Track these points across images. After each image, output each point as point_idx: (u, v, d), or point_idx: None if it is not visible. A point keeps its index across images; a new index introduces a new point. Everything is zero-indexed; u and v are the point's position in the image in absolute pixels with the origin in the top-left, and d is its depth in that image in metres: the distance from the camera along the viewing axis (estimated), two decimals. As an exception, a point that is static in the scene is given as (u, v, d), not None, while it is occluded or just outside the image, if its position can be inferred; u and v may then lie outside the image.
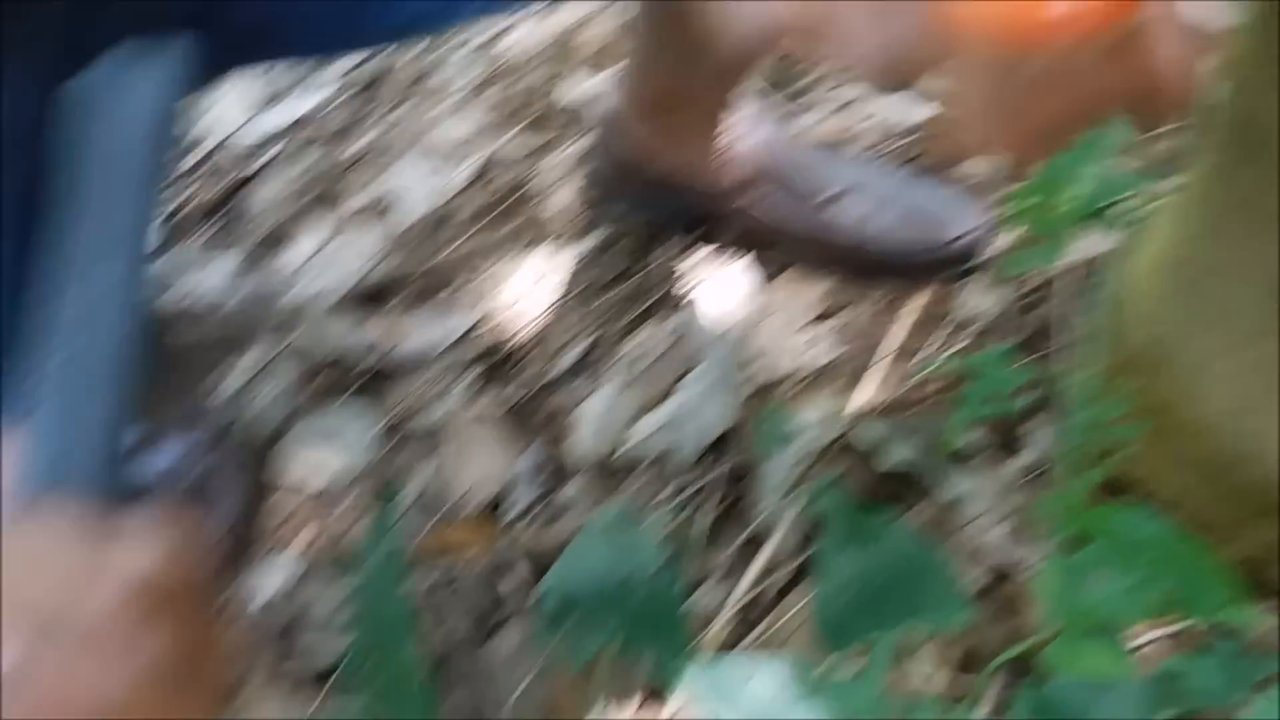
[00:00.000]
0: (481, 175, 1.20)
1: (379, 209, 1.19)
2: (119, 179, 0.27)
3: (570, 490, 0.90)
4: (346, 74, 1.36)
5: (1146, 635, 0.71)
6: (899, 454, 0.82)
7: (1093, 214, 0.85)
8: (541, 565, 0.84)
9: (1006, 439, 0.83)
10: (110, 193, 0.27)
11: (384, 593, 0.62)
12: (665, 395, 0.96)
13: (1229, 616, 0.61)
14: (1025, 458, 0.82)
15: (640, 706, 0.77)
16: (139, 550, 0.26)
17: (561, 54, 1.32)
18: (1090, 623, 0.64)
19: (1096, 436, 0.72)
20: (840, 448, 0.86)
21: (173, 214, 1.19)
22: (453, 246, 1.12)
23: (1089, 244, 0.92)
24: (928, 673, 0.72)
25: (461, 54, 1.36)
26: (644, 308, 1.03)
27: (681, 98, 0.99)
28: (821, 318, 0.98)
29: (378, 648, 0.62)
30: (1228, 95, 0.63)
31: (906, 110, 1.14)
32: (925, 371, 0.89)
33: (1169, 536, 0.63)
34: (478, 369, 1.00)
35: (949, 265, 0.96)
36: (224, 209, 1.23)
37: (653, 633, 0.73)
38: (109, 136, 0.28)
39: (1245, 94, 0.60)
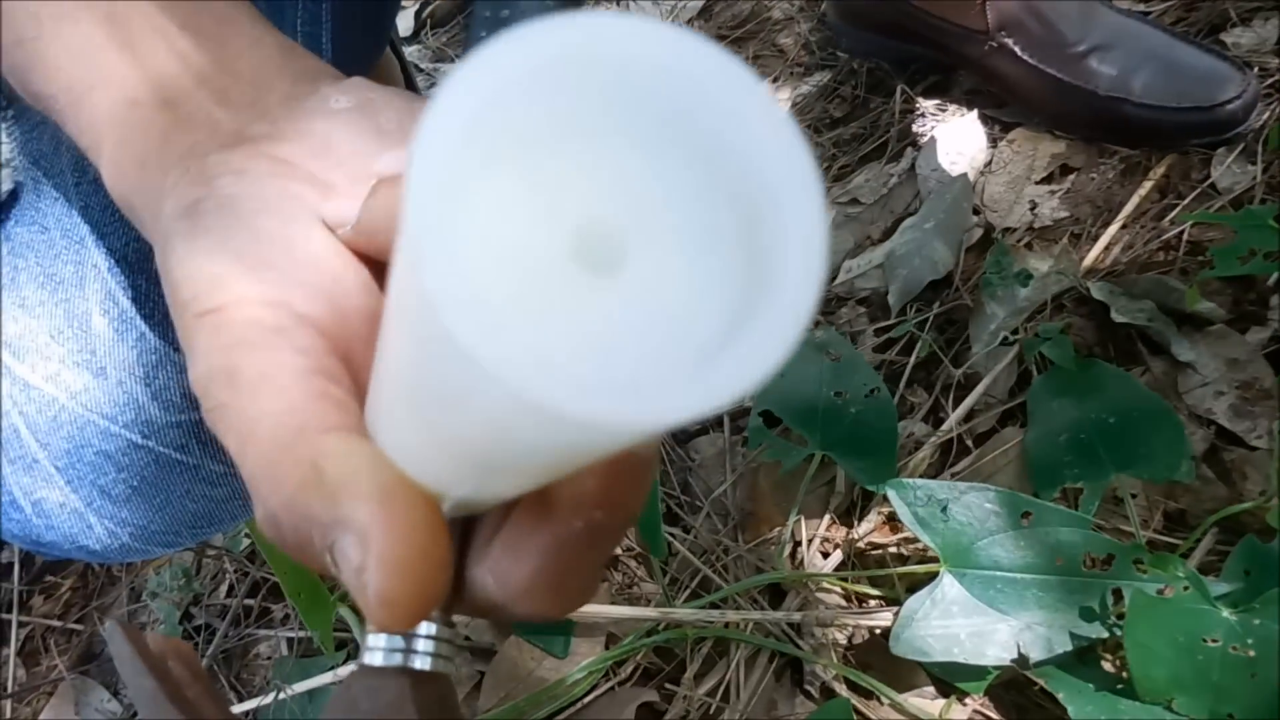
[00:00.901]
0: (715, 3, 1.20)
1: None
2: None
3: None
4: (586, -107, 1.36)
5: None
6: (1131, 311, 0.80)
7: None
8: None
9: (1248, 309, 0.80)
10: None
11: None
12: (883, 236, 0.96)
13: None
14: (1266, 331, 0.79)
15: (830, 526, 0.79)
16: None
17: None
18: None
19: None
20: (1068, 300, 0.84)
21: (419, 11, 1.23)
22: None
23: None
24: (1133, 526, 0.72)
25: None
26: (869, 149, 1.02)
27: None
28: (1055, 176, 0.95)
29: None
30: None
31: (1174, -31, 1.07)
32: (1175, 230, 0.85)
33: None
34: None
35: (1209, 131, 0.91)
36: (459, 17, 1.26)
37: (863, 449, 0.75)
38: None
39: None
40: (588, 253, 0.15)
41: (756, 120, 0.15)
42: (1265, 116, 0.91)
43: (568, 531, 0.23)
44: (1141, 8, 1.05)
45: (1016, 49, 0.96)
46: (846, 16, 1.08)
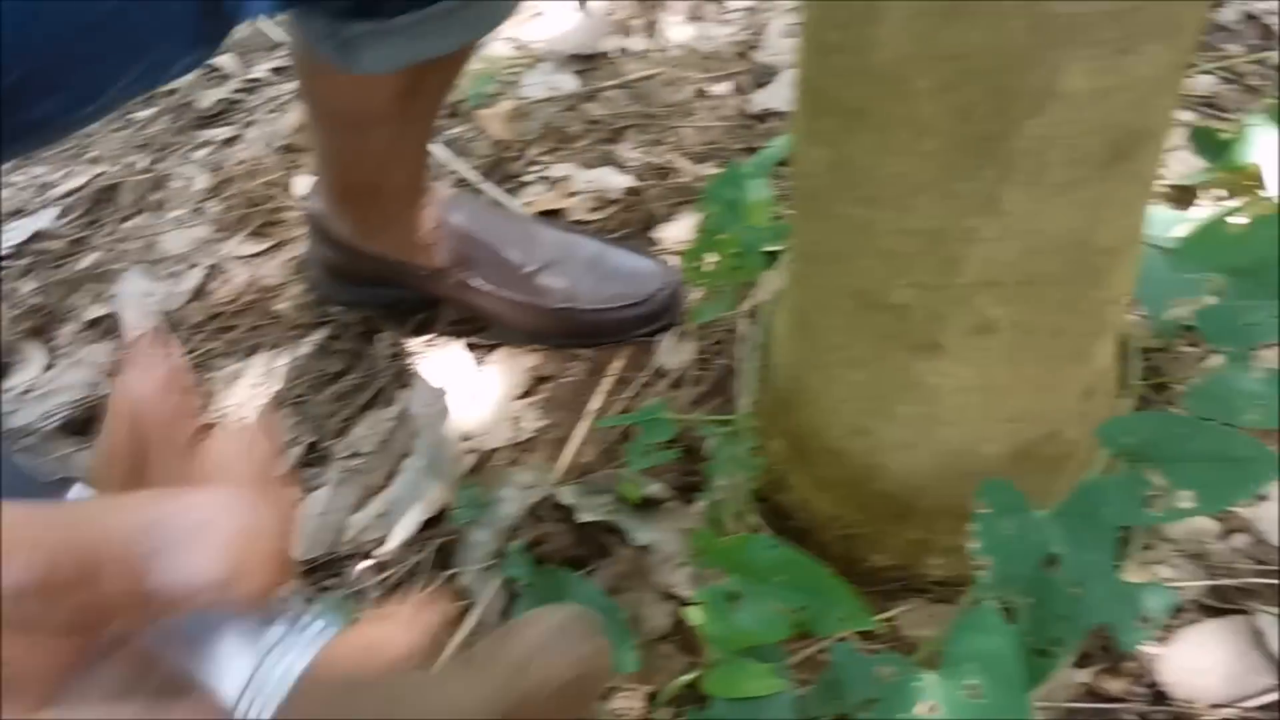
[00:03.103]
0: (209, 281, 1.22)
1: (106, 325, 1.18)
2: None
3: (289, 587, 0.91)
4: (71, 194, 1.35)
5: (810, 649, 0.76)
6: (593, 510, 0.86)
7: (765, 264, 0.92)
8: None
9: (688, 484, 0.88)
10: None
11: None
12: (386, 482, 0.98)
13: (849, 627, 0.67)
14: (705, 500, 0.87)
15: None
16: None
17: (286, 158, 1.35)
18: (741, 646, 0.69)
19: (741, 472, 0.77)
20: (545, 510, 0.90)
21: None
22: (181, 354, 1.13)
23: (766, 291, 1.00)
24: (622, 710, 0.76)
25: (188, 164, 1.37)
26: (367, 399, 1.06)
27: (365, 183, 1.01)
28: (533, 388, 1.02)
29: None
30: (793, 151, 0.70)
31: (608, 181, 1.21)
32: (610, 427, 0.94)
33: (791, 561, 0.68)
34: (200, 477, 1.00)
35: (647, 322, 1.02)
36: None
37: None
38: None
39: (801, 160, 0.67)
40: None
41: None
42: (690, 300, 1.04)
43: None
44: (594, 216, 1.18)
45: (476, 280, 1.04)
46: (328, 273, 1.13)
